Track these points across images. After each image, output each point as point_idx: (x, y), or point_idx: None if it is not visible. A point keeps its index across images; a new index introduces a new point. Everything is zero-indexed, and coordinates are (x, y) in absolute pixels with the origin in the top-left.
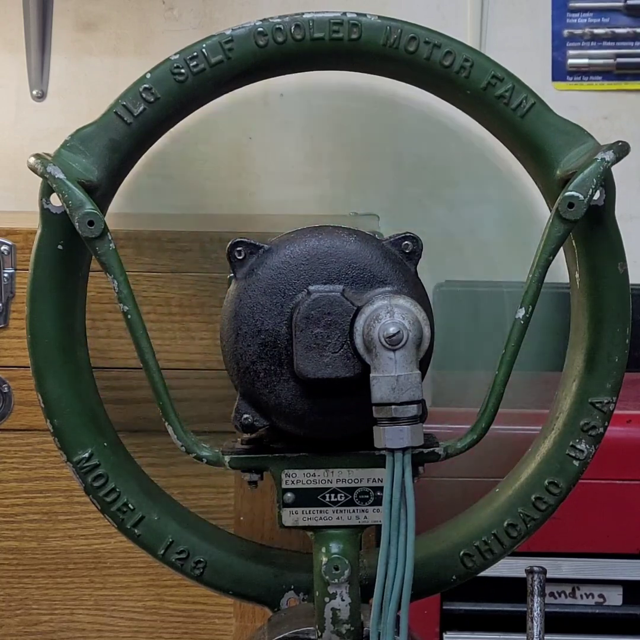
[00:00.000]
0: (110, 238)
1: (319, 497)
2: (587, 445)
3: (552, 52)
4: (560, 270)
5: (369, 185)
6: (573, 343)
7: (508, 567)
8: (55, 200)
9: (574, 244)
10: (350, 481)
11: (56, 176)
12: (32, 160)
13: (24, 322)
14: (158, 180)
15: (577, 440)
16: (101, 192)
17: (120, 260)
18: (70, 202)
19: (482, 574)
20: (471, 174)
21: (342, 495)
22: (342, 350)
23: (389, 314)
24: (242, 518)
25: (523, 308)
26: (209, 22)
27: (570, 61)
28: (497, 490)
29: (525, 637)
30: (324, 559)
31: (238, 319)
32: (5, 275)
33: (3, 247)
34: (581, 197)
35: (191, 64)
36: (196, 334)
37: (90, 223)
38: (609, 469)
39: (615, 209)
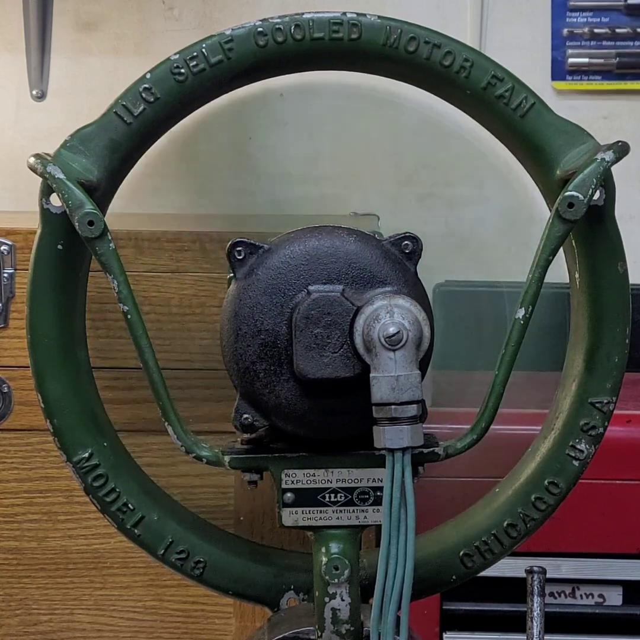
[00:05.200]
0: (110, 238)
1: (318, 497)
2: (587, 445)
3: (551, 51)
4: (560, 270)
5: (369, 185)
6: (573, 343)
7: (508, 567)
8: (55, 200)
9: (574, 244)
10: (350, 481)
11: (56, 176)
12: (32, 160)
13: (24, 322)
14: (158, 180)
15: (577, 440)
16: (101, 192)
17: (120, 260)
18: (70, 202)
19: (482, 574)
20: (471, 174)
21: (342, 495)
22: (342, 350)
23: (388, 314)
24: (242, 518)
25: (523, 308)
26: (209, 22)
27: (570, 60)
28: (497, 490)
29: (525, 637)
30: (324, 559)
31: (238, 319)
32: (5, 275)
33: (3, 247)
34: (581, 197)
35: (191, 64)
36: (196, 334)
37: (90, 223)
38: (609, 469)
39: (615, 209)
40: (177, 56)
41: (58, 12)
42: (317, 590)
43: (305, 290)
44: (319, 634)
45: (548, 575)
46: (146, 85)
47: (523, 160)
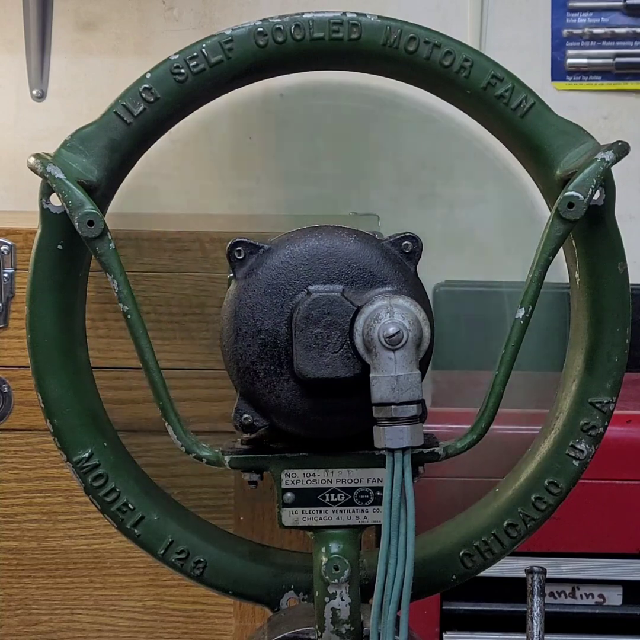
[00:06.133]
0: (110, 238)
1: (318, 497)
2: (587, 445)
3: (551, 52)
4: (560, 270)
5: (369, 185)
6: (573, 343)
7: (508, 567)
8: (55, 200)
9: (574, 244)
10: (350, 481)
11: (56, 176)
12: (32, 160)
13: (24, 322)
14: (158, 180)
15: (577, 440)
16: (101, 192)
17: (120, 260)
18: (70, 202)
19: (482, 574)
20: (471, 174)
21: (342, 495)
22: (342, 350)
23: (388, 314)
24: (242, 518)
25: (523, 308)
26: (209, 22)
27: (569, 61)
28: (497, 490)
29: (525, 637)
30: (324, 559)
31: (238, 319)
32: (5, 275)
33: (3, 247)
34: (581, 197)
35: (191, 64)
36: (196, 334)
37: (90, 223)
38: (609, 469)
39: (615, 209)
40: (177, 56)
41: (58, 12)
42: (317, 590)
43: (305, 290)
44: (319, 634)
45: (548, 575)
46: (146, 85)
47: (523, 160)
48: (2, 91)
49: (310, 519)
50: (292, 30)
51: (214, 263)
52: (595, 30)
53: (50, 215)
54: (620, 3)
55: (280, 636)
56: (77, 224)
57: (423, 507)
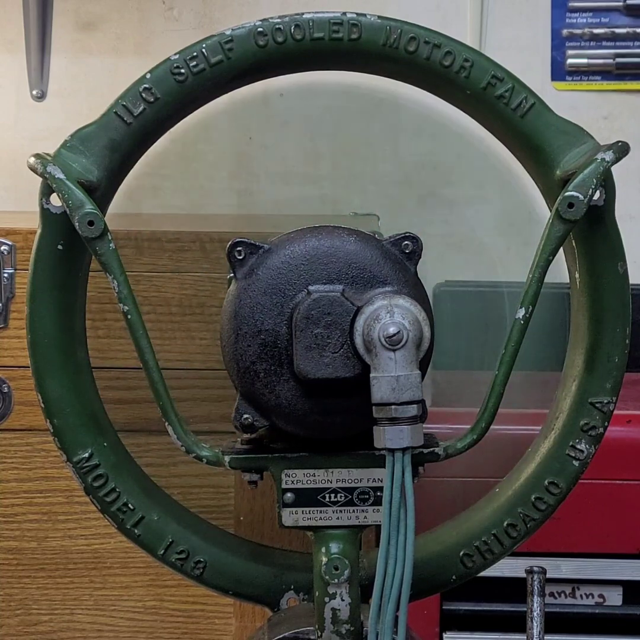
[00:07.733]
0: (110, 238)
1: (318, 497)
2: (587, 445)
3: (551, 52)
4: (560, 270)
5: (369, 185)
6: (573, 343)
7: (508, 567)
8: (55, 200)
9: (574, 244)
10: (350, 481)
11: (56, 176)
12: (32, 160)
13: (24, 322)
14: (158, 180)
15: (577, 441)
16: (101, 192)
17: (120, 260)
18: (70, 202)
19: (482, 574)
20: (471, 174)
21: (342, 495)
22: (342, 350)
23: (389, 314)
24: (242, 518)
25: (523, 308)
26: (208, 22)
27: (569, 61)
28: (497, 490)
29: (525, 637)
30: (324, 559)
31: (238, 319)
32: (5, 275)
33: (3, 247)
34: (581, 197)
35: (191, 64)
36: (196, 334)
37: (90, 223)
38: (609, 469)
39: (615, 209)
40: (177, 56)
41: (58, 12)
42: (317, 590)
43: (305, 290)
44: (319, 634)
45: (548, 575)
46: (146, 85)
47: (523, 161)
48: (2, 91)
49: (310, 519)
50: (292, 30)
51: (214, 263)
52: (595, 30)
53: (50, 215)
54: (620, 3)
55: (280, 636)
56: (77, 224)
57: (423, 507)
